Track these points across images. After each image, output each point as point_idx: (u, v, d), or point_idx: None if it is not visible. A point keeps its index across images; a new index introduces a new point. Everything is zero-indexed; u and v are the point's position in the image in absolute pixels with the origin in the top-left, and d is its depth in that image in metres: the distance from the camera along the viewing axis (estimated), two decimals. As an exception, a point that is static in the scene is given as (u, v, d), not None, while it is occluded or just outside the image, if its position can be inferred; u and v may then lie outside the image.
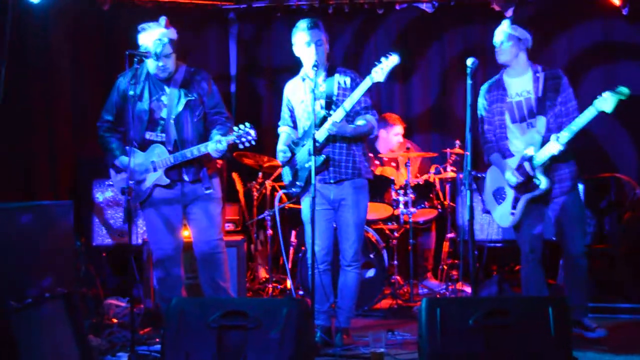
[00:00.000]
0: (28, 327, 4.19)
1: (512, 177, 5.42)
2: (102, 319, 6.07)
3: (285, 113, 5.73)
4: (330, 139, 5.35)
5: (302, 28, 5.39)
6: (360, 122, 5.40)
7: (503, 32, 5.40)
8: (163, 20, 5.36)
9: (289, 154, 5.56)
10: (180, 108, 5.45)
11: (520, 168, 5.38)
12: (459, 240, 7.20)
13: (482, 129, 5.67)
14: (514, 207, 5.46)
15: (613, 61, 7.95)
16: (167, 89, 5.48)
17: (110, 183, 7.01)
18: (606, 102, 4.95)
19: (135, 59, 5.13)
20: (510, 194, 5.50)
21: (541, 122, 5.30)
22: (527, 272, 5.47)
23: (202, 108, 5.52)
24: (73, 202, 5.31)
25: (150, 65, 5.41)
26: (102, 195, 7.06)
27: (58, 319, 4.54)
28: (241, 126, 5.18)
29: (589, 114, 5.03)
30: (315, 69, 5.23)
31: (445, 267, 7.45)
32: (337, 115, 5.24)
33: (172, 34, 5.39)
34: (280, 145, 5.64)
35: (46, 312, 4.45)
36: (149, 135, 5.47)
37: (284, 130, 5.73)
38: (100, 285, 6.53)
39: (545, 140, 5.24)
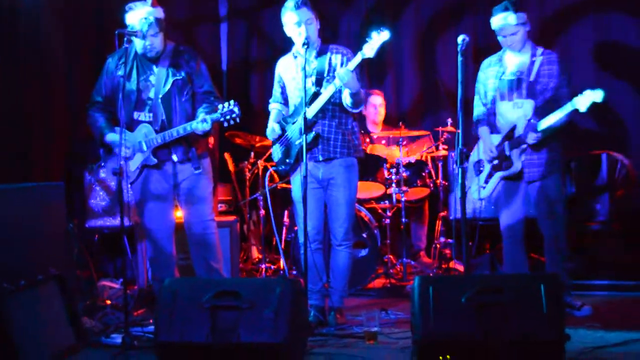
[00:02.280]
0: (22, 310, 4.20)
1: (488, 153, 5.56)
2: (96, 300, 6.07)
3: (276, 90, 5.72)
4: (320, 115, 5.33)
5: (290, 7, 5.36)
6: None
7: (509, 25, 5.37)
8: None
9: (279, 132, 5.54)
10: (167, 87, 5.44)
11: (499, 146, 5.47)
12: (451, 219, 7.21)
13: (476, 102, 5.73)
14: (485, 182, 5.62)
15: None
16: (155, 69, 5.47)
17: (102, 164, 7.02)
18: (581, 101, 5.00)
19: (125, 39, 5.11)
20: (486, 168, 5.63)
21: (528, 104, 5.34)
22: (505, 250, 5.64)
23: (191, 87, 5.50)
24: (65, 183, 5.33)
25: (138, 44, 5.39)
26: (95, 176, 7.04)
27: (52, 301, 4.55)
28: (225, 104, 5.18)
29: (565, 110, 5.10)
30: (306, 47, 5.20)
31: (438, 246, 7.46)
32: (328, 90, 5.21)
33: (159, 12, 5.37)
34: (271, 123, 5.62)
35: (40, 294, 4.46)
36: (136, 115, 5.47)
37: (274, 107, 5.71)
38: (94, 267, 6.52)
39: (532, 124, 5.27)
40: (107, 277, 6.69)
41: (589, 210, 7.01)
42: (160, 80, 5.45)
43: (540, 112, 5.26)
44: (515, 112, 5.41)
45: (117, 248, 6.99)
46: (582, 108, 5.03)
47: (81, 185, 7.06)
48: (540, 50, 5.43)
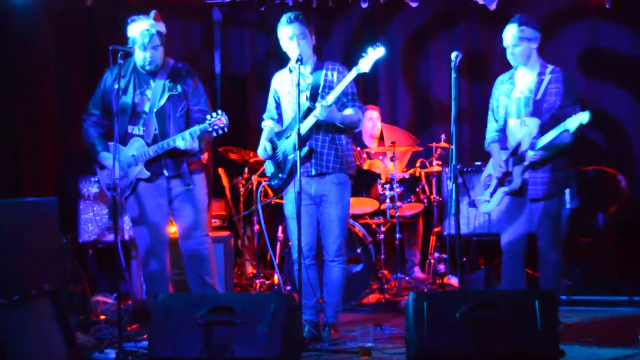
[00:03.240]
0: (15, 325, 4.18)
1: (497, 169, 5.58)
2: (90, 315, 6.06)
3: (271, 105, 5.72)
4: (314, 130, 5.35)
5: (284, 22, 5.38)
6: (348, 111, 5.40)
7: (512, 35, 5.39)
8: (153, 13, 5.40)
9: (270, 152, 5.55)
10: (162, 102, 5.46)
11: (506, 162, 5.49)
12: (445, 234, 7.22)
13: (489, 118, 5.77)
14: (490, 196, 5.64)
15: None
16: (152, 83, 5.49)
17: (96, 179, 7.02)
18: (570, 122, 5.07)
19: (119, 54, 5.11)
20: (493, 183, 5.63)
21: (533, 123, 5.36)
22: (504, 265, 5.61)
23: (186, 104, 5.52)
24: (58, 198, 5.32)
25: (138, 56, 5.42)
26: (88, 191, 7.03)
27: (45, 316, 4.53)
28: (213, 114, 5.20)
29: (558, 130, 5.17)
30: (299, 62, 5.22)
31: (432, 261, 7.46)
32: (329, 99, 5.23)
33: (161, 27, 5.41)
34: (263, 141, 5.63)
35: (33, 309, 4.44)
36: (130, 128, 5.49)
37: (267, 125, 5.71)
38: (87, 281, 6.50)
39: (535, 142, 5.31)
40: (101, 292, 6.68)
41: (582, 225, 7.02)
42: (156, 94, 5.46)
43: (546, 130, 5.27)
44: (521, 129, 5.43)
45: (111, 263, 6.99)
46: (572, 128, 5.08)
47: (75, 199, 7.06)
48: (550, 68, 5.44)
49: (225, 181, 7.90)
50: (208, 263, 5.59)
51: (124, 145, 5.45)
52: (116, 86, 5.27)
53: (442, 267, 7.32)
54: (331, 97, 5.23)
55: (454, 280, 7.08)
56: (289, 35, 5.36)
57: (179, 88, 5.50)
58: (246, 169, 7.62)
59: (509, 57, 5.49)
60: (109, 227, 6.95)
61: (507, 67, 5.64)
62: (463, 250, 6.76)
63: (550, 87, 5.37)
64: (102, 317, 6.09)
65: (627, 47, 7.81)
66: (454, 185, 4.82)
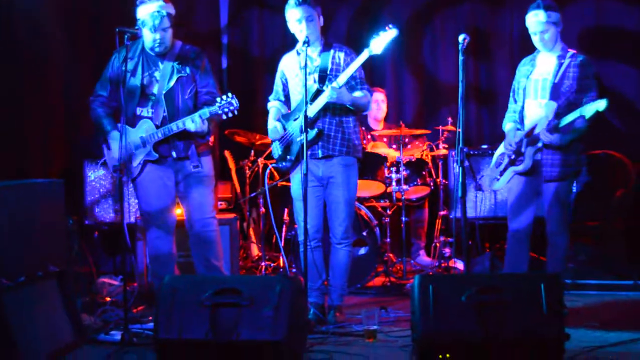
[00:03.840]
0: (20, 306, 4.18)
1: (507, 147, 5.61)
2: (95, 297, 6.08)
3: (278, 86, 5.72)
4: (321, 113, 5.34)
5: (292, 4, 5.36)
6: (357, 93, 5.39)
7: (540, 22, 5.37)
8: None
9: (282, 131, 5.54)
10: (171, 84, 5.44)
11: (519, 142, 5.51)
12: (451, 218, 7.21)
13: (510, 98, 5.78)
14: (500, 174, 5.67)
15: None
16: (160, 65, 5.47)
17: (102, 160, 7.02)
18: (587, 109, 5.09)
19: (126, 36, 5.09)
20: (505, 161, 5.66)
21: (550, 106, 5.34)
22: (508, 245, 5.65)
23: (194, 86, 5.50)
24: (65, 180, 5.32)
25: (147, 38, 5.39)
26: (94, 173, 7.04)
27: (51, 298, 4.53)
28: (223, 96, 5.18)
29: (573, 116, 5.18)
30: (306, 45, 5.21)
31: (437, 245, 7.46)
32: (340, 80, 5.22)
33: (170, 8, 5.38)
34: (271, 121, 5.62)
35: (39, 291, 4.45)
36: (139, 110, 5.46)
37: (273, 105, 5.71)
38: (93, 263, 6.52)
39: (550, 124, 5.30)
40: (107, 273, 6.69)
41: (589, 209, 7.01)
42: (165, 76, 5.44)
43: (562, 114, 5.27)
44: (537, 112, 5.44)
45: (117, 245, 7.01)
46: (587, 114, 5.09)
47: (81, 180, 7.07)
48: (570, 52, 5.44)
49: (231, 163, 7.91)
50: (214, 245, 5.58)
51: (133, 127, 5.44)
52: (125, 67, 5.28)
53: (447, 251, 7.32)
54: (342, 79, 5.22)
55: (459, 264, 7.08)
56: (297, 18, 5.34)
57: (188, 70, 5.48)
58: (252, 152, 7.62)
59: (538, 43, 5.48)
60: (115, 209, 6.96)
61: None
62: (469, 234, 6.77)
63: (569, 71, 5.37)
64: (108, 298, 6.10)
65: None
66: (460, 168, 4.81)
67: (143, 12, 5.33)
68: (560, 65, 5.40)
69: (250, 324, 3.98)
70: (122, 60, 5.30)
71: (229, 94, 5.20)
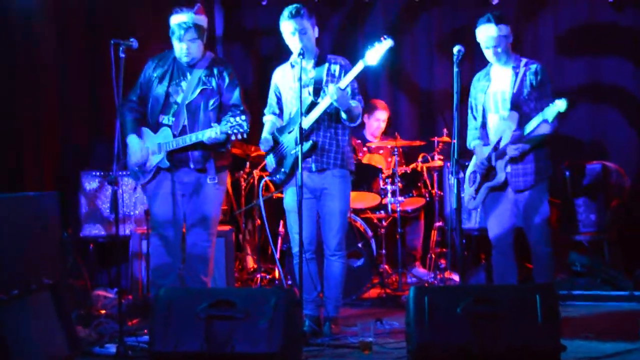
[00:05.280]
0: (15, 319, 4.17)
1: (480, 165, 5.62)
2: (90, 310, 6.05)
3: (272, 99, 5.71)
4: (315, 126, 5.33)
5: (286, 17, 5.37)
6: (353, 103, 5.39)
7: (492, 37, 5.39)
8: (197, 6, 5.43)
9: (272, 143, 5.54)
10: (195, 95, 5.46)
11: (488, 157, 5.53)
12: (447, 229, 7.21)
13: (469, 115, 5.78)
14: (475, 192, 5.68)
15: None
16: (189, 75, 5.51)
17: (96, 174, 7.03)
18: (547, 111, 5.10)
19: (121, 48, 5.09)
20: (478, 179, 5.66)
21: (513, 117, 5.38)
22: (494, 259, 5.67)
23: (219, 98, 5.50)
24: (59, 192, 5.31)
25: (175, 48, 5.46)
26: (90, 185, 7.04)
27: (45, 311, 4.52)
28: (237, 118, 5.17)
29: (536, 121, 5.20)
30: (301, 57, 5.20)
31: (433, 256, 7.46)
32: (325, 102, 5.21)
33: (202, 20, 5.44)
34: (265, 134, 5.62)
35: (33, 303, 4.44)
36: (161, 118, 5.50)
37: (268, 119, 5.71)
38: (88, 276, 6.50)
39: (515, 135, 5.33)
40: (102, 286, 6.68)
41: (583, 220, 7.02)
42: (191, 86, 5.48)
43: (524, 122, 5.29)
44: (501, 124, 5.46)
45: (112, 257, 7.00)
46: (550, 117, 5.09)
47: (76, 193, 7.06)
48: (524, 61, 5.48)
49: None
50: (206, 261, 5.56)
51: (154, 134, 5.49)
52: (155, 74, 5.45)
53: (443, 262, 7.32)
54: (344, 82, 5.20)
55: (455, 275, 7.08)
56: (291, 31, 5.35)
57: (214, 82, 5.49)
58: (248, 164, 7.62)
59: (492, 57, 5.50)
60: (109, 221, 6.96)
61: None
62: (464, 245, 6.77)
63: (525, 80, 5.40)
64: (103, 311, 6.09)
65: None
66: (455, 179, 4.82)
67: (173, 22, 5.41)
68: (516, 75, 5.43)
69: (245, 337, 3.98)
70: (153, 67, 5.46)
71: (242, 117, 5.17)
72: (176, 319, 4.09)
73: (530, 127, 5.23)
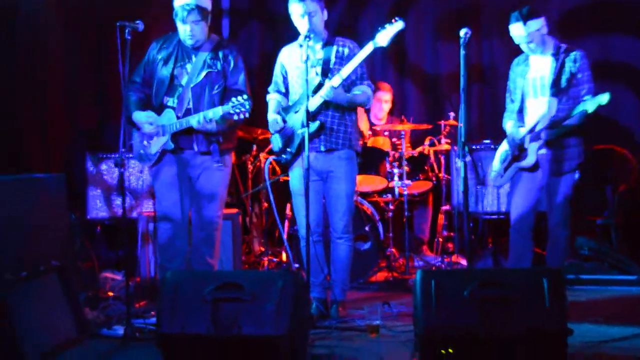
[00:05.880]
0: (23, 301, 4.19)
1: (509, 143, 5.67)
2: (98, 292, 6.07)
3: (277, 78, 5.70)
4: (324, 106, 5.32)
5: None
6: (356, 91, 5.38)
7: (521, 35, 5.44)
8: None
9: (282, 124, 5.53)
10: (200, 78, 5.43)
11: (522, 138, 5.54)
12: (454, 213, 7.20)
13: (507, 98, 5.84)
14: (504, 170, 5.71)
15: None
16: (194, 58, 5.48)
17: (105, 156, 7.04)
18: (589, 104, 5.13)
19: (127, 30, 5.07)
20: (509, 158, 5.69)
21: (551, 102, 5.39)
22: (510, 241, 5.68)
23: (223, 82, 5.47)
24: (66, 175, 5.32)
25: (179, 30, 5.42)
26: (96, 167, 7.05)
27: (53, 293, 4.54)
28: (238, 98, 5.15)
29: (576, 111, 5.23)
30: (308, 39, 5.19)
31: (440, 240, 7.45)
32: (335, 80, 5.20)
33: (204, 2, 5.38)
34: (271, 114, 5.61)
35: (41, 285, 4.45)
36: (166, 100, 5.48)
37: (273, 98, 5.70)
38: (95, 258, 6.51)
39: (552, 120, 5.34)
40: (109, 268, 6.69)
41: (592, 204, 7.02)
42: (196, 69, 5.44)
43: (563, 108, 5.32)
44: (538, 109, 5.48)
45: (120, 239, 7.01)
46: (590, 109, 5.12)
47: (83, 175, 7.07)
48: (563, 47, 5.48)
49: (233, 158, 7.89)
50: (213, 244, 5.56)
51: (158, 116, 5.46)
52: (159, 56, 5.44)
53: (450, 246, 7.31)
54: (345, 72, 5.20)
55: (462, 259, 7.07)
56: (301, 13, 5.32)
57: (219, 65, 5.46)
58: (254, 146, 7.61)
59: (527, 50, 5.55)
60: (117, 203, 6.97)
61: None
62: (472, 229, 6.77)
63: (565, 66, 5.41)
64: (111, 293, 6.10)
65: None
66: (462, 163, 4.81)
67: (177, 3, 5.36)
68: (556, 62, 5.44)
69: (252, 319, 3.98)
70: (157, 49, 5.46)
71: (244, 96, 5.14)
72: (183, 301, 4.09)
73: (570, 115, 5.24)
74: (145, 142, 5.47)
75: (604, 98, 5.05)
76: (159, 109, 5.48)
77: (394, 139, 7.48)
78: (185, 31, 5.38)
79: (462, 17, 8.25)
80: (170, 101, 5.47)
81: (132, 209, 6.93)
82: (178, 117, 5.40)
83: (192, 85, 5.44)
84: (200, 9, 5.34)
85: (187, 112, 5.41)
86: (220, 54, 5.51)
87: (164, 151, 5.48)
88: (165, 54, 5.51)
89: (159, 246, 5.68)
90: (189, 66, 5.48)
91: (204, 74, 5.45)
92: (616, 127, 7.74)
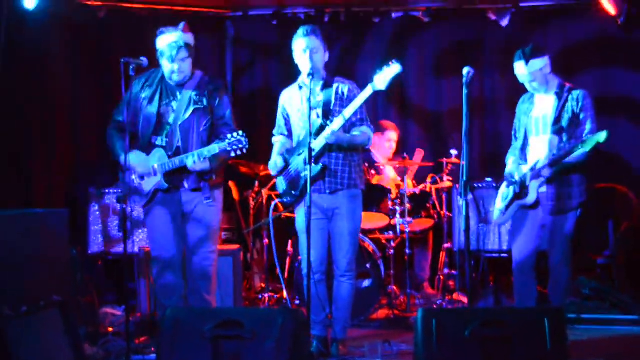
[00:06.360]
0: (23, 336, 4.18)
1: (509, 178, 5.71)
2: (98, 327, 6.05)
3: (280, 121, 5.72)
4: (327, 148, 5.34)
5: (300, 34, 5.39)
6: (355, 132, 5.41)
7: (524, 74, 5.48)
8: (182, 25, 5.40)
9: (282, 165, 5.54)
10: (187, 115, 5.43)
11: (523, 176, 5.56)
12: (455, 251, 7.20)
13: (513, 136, 5.88)
14: (506, 208, 5.71)
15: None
16: (179, 95, 5.47)
17: (107, 191, 7.04)
18: (587, 143, 5.13)
19: (131, 67, 5.11)
20: (510, 195, 5.68)
21: (552, 140, 5.42)
22: (515, 281, 5.68)
23: (210, 118, 5.48)
24: (68, 209, 5.33)
25: (166, 68, 5.41)
26: (98, 202, 7.05)
27: (54, 328, 4.53)
28: (234, 134, 5.17)
29: (574, 150, 5.24)
30: (311, 77, 5.22)
31: (441, 278, 7.43)
32: (336, 123, 5.23)
33: (189, 38, 5.41)
34: (274, 156, 5.62)
35: (42, 320, 4.44)
36: (154, 139, 5.46)
37: (277, 140, 5.71)
38: (96, 293, 6.50)
39: (552, 158, 5.37)
40: (110, 303, 6.68)
41: (594, 242, 7.01)
42: (182, 106, 5.44)
43: (564, 147, 5.33)
44: (540, 147, 5.51)
45: (120, 275, 7.00)
46: (587, 148, 5.14)
47: (85, 210, 7.08)
48: (567, 87, 5.52)
49: (235, 194, 7.91)
50: (209, 280, 5.54)
51: (147, 155, 5.45)
52: (143, 95, 5.39)
53: (451, 284, 7.30)
54: (347, 113, 5.22)
55: (463, 297, 7.06)
56: (303, 48, 5.36)
57: (205, 102, 5.47)
58: (256, 182, 7.62)
59: (530, 89, 5.61)
60: (118, 239, 6.97)
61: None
62: (473, 267, 6.76)
63: (568, 106, 5.44)
64: (111, 329, 6.09)
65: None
66: (464, 201, 4.82)
67: (162, 43, 5.37)
68: (559, 101, 5.47)
69: (252, 357, 3.96)
70: (142, 85, 5.39)
71: (240, 132, 5.16)
72: (183, 338, 4.08)
73: (570, 153, 5.25)
74: (133, 177, 5.42)
75: (601, 136, 5.06)
76: (147, 148, 5.46)
77: (399, 178, 7.49)
78: (173, 69, 5.37)
79: (463, 52, 8.33)
80: (159, 140, 5.45)
81: (133, 245, 6.91)
82: (169, 156, 5.41)
83: (179, 123, 5.42)
84: (187, 45, 5.37)
85: (177, 151, 5.41)
86: (206, 90, 5.51)
87: (156, 190, 5.48)
88: (149, 92, 5.47)
89: (156, 285, 5.65)
90: (174, 104, 5.47)
91: (191, 110, 5.43)
92: (618, 162, 7.77)
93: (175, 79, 5.43)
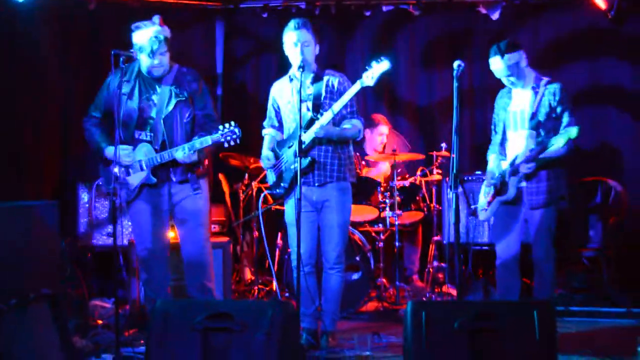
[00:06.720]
0: (12, 329, 4.17)
1: (489, 178, 5.75)
2: (87, 320, 6.05)
3: (270, 112, 5.72)
4: (317, 141, 5.34)
5: (291, 27, 5.38)
6: (346, 125, 5.41)
7: (501, 69, 5.49)
8: (157, 18, 5.37)
9: (273, 160, 5.55)
10: (170, 108, 5.42)
11: (502, 172, 5.61)
12: (444, 243, 7.21)
13: (492, 130, 5.91)
14: (488, 204, 5.74)
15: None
16: (158, 89, 5.46)
17: (94, 184, 7.01)
18: (559, 139, 5.17)
19: (121, 58, 5.10)
20: (492, 191, 5.72)
21: (530, 135, 5.44)
22: (498, 274, 5.73)
23: (192, 109, 5.49)
24: (58, 201, 5.31)
25: (145, 63, 5.38)
26: (88, 194, 7.03)
27: (43, 320, 4.51)
28: (226, 125, 5.17)
29: (551, 148, 5.28)
30: (302, 70, 5.22)
31: (431, 270, 7.45)
32: (325, 118, 5.24)
33: (166, 32, 5.39)
34: (265, 150, 5.63)
35: (31, 313, 4.43)
36: (138, 133, 5.45)
37: (268, 133, 5.71)
38: (85, 286, 6.49)
39: (530, 154, 5.39)
40: (99, 296, 6.67)
41: (582, 237, 7.03)
42: (163, 100, 5.43)
43: (542, 142, 5.34)
44: (518, 142, 5.53)
45: (110, 267, 6.98)
46: (561, 144, 5.17)
47: (74, 202, 7.05)
48: (544, 81, 5.51)
49: (225, 187, 7.90)
50: (208, 268, 5.57)
51: (132, 151, 5.44)
52: (123, 90, 5.35)
53: (441, 276, 7.31)
54: (336, 108, 5.23)
55: (452, 290, 7.07)
56: (294, 41, 5.36)
57: (185, 93, 5.47)
58: (246, 175, 7.62)
59: (507, 84, 5.62)
60: (107, 231, 6.95)
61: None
62: (462, 260, 6.77)
63: (544, 100, 5.45)
64: (100, 321, 6.08)
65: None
66: (453, 194, 4.83)
67: (140, 38, 5.33)
68: (536, 95, 5.48)
69: (242, 349, 3.96)
70: (118, 83, 5.33)
71: (232, 123, 5.17)
72: (172, 331, 4.07)
73: (546, 148, 5.28)
74: (116, 169, 5.34)
75: (572, 132, 5.10)
76: (130, 143, 5.44)
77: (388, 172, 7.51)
78: (152, 64, 5.36)
79: (454, 45, 8.34)
80: (143, 135, 5.45)
81: (122, 237, 6.90)
82: (156, 150, 5.39)
83: (163, 117, 5.42)
84: (166, 39, 5.37)
85: (163, 144, 5.41)
86: (185, 82, 5.51)
87: (143, 185, 5.47)
88: (128, 87, 5.44)
89: (143, 279, 5.65)
90: (155, 97, 5.46)
91: (173, 104, 5.44)
92: (608, 152, 7.79)
93: (156, 74, 5.43)
